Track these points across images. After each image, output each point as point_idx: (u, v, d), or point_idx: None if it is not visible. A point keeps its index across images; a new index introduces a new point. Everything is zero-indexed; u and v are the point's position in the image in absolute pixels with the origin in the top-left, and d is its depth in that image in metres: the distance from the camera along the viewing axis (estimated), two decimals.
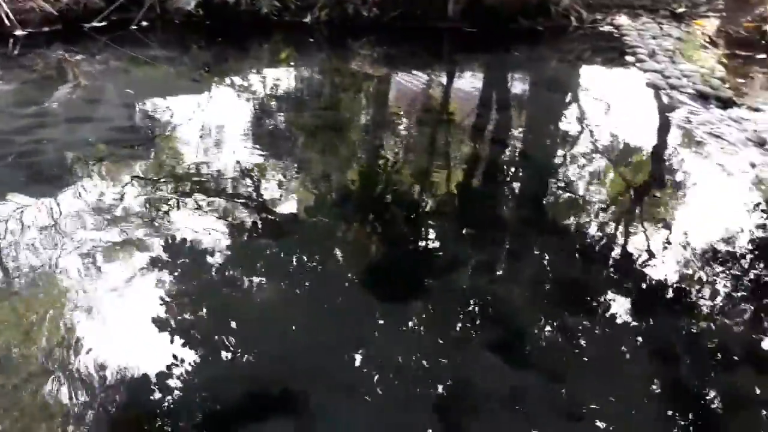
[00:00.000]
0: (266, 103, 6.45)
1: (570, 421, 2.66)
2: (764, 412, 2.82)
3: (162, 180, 4.58)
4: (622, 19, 9.58)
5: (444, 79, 7.74)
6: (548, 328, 3.27)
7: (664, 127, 6.15)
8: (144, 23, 8.16)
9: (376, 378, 2.85)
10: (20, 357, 2.84)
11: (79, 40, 7.63)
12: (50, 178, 4.52)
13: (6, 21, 7.34)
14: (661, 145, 5.88)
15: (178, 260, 3.64)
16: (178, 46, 7.95)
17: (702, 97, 6.65)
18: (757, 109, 6.40)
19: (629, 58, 8.05)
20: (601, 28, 9.42)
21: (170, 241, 3.82)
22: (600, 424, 2.65)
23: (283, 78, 7.31)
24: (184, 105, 6.11)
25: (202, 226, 3.97)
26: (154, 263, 3.59)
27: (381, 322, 3.28)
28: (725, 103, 6.53)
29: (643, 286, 3.74)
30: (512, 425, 2.64)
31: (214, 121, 5.74)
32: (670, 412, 2.77)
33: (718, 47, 8.77)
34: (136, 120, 5.79)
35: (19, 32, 7.45)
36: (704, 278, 3.82)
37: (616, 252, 4.11)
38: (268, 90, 6.86)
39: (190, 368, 2.86)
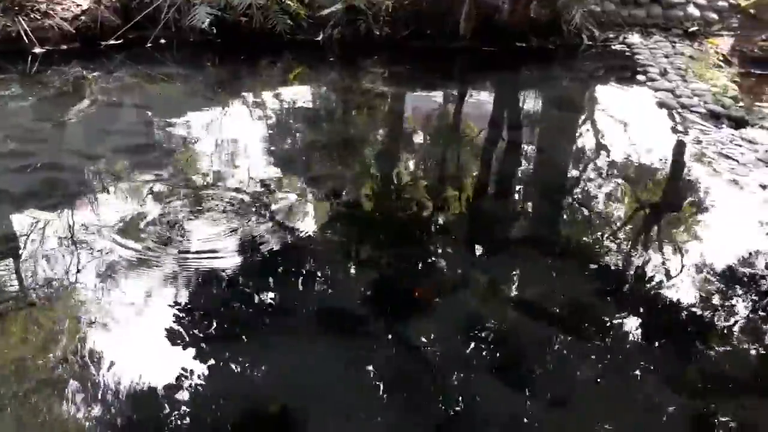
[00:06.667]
0: (280, 121, 6.52)
1: None
2: None
3: (179, 195, 4.63)
4: (635, 38, 9.58)
5: (456, 98, 7.78)
6: (558, 352, 3.25)
7: (673, 148, 6.13)
8: (162, 41, 8.29)
9: (377, 399, 2.85)
10: (36, 367, 2.89)
11: (96, 58, 7.76)
12: (68, 193, 4.60)
13: (25, 39, 7.49)
14: (670, 165, 5.85)
15: (194, 275, 3.69)
16: (192, 64, 8.06)
17: (713, 117, 6.62)
18: None
19: (641, 77, 8.05)
20: (613, 47, 9.42)
21: (186, 256, 3.87)
22: None
23: (296, 96, 7.37)
24: (199, 122, 6.19)
25: (218, 242, 4.02)
26: (170, 278, 3.64)
27: (385, 342, 3.28)
28: (737, 123, 6.50)
29: (657, 308, 3.72)
30: None
31: (229, 138, 5.82)
32: None
33: (732, 66, 8.75)
34: (153, 136, 5.87)
35: (37, 50, 7.59)
36: (717, 300, 3.79)
37: (630, 273, 4.09)
38: (282, 107, 6.93)
39: (196, 382, 2.89)
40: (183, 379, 2.91)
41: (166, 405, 2.77)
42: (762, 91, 7.98)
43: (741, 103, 7.00)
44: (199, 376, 2.93)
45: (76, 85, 7.04)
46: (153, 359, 3.07)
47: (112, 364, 2.96)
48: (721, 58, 8.91)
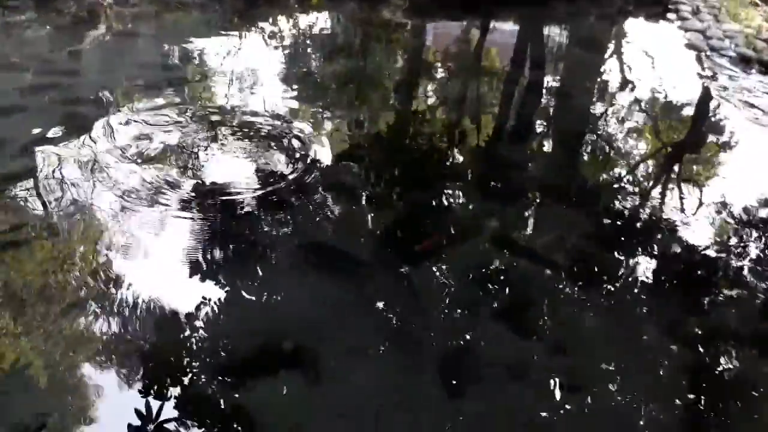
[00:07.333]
0: (297, 51, 6.42)
1: (572, 393, 2.73)
2: None
3: (192, 121, 4.65)
4: None
5: (478, 31, 7.57)
6: (566, 292, 3.30)
7: (698, 95, 5.95)
8: None
9: (381, 339, 2.94)
10: (60, 288, 3.01)
11: None
12: (85, 118, 4.63)
13: None
14: (693, 113, 5.71)
15: (208, 205, 3.72)
16: None
17: (743, 61, 6.40)
18: None
19: (671, 15, 7.73)
20: None
21: (200, 183, 3.91)
22: (606, 400, 2.72)
23: (314, 26, 7.23)
24: (216, 51, 6.13)
25: (231, 169, 4.06)
26: (184, 205, 3.70)
27: (390, 283, 3.33)
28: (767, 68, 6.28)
29: (667, 257, 3.73)
30: (515, 394, 2.73)
31: (244, 66, 5.77)
32: (679, 390, 2.83)
33: None
34: (168, 63, 5.85)
35: None
36: (728, 251, 3.79)
37: (646, 213, 4.07)
38: (299, 38, 6.82)
39: (207, 312, 2.99)
40: (194, 308, 3.01)
41: (177, 330, 2.87)
42: None
43: None
44: (211, 307, 3.03)
45: (91, 13, 6.95)
46: (165, 286, 3.14)
47: (128, 287, 3.06)
48: None
